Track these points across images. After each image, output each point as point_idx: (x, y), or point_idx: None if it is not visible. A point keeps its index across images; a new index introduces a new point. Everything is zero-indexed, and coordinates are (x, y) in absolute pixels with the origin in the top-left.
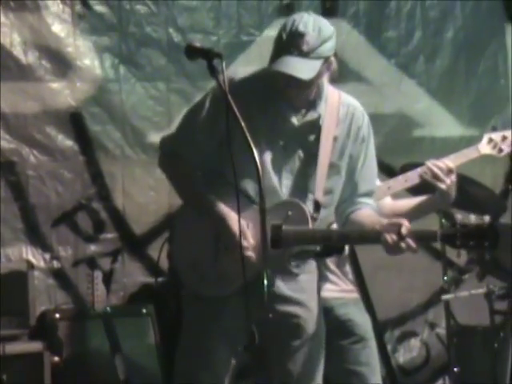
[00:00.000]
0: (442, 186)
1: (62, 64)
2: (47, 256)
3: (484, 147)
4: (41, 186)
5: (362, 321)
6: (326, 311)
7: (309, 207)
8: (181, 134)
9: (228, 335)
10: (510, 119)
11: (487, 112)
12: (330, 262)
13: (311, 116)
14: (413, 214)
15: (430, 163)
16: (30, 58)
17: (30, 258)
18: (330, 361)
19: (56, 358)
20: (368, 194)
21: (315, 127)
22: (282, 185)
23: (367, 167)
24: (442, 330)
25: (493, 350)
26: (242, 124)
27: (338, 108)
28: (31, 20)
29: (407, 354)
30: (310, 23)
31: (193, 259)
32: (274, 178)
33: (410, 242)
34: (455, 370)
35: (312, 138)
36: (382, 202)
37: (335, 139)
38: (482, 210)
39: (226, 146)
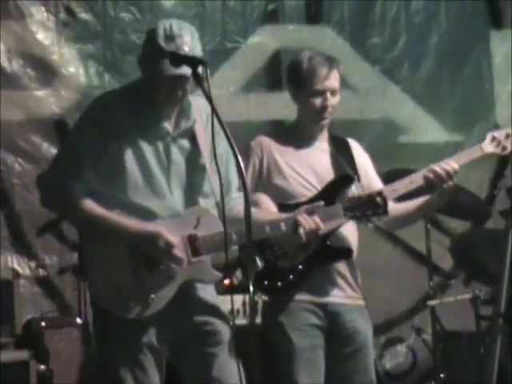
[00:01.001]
0: (445, 187)
1: (46, 72)
2: (33, 264)
3: (487, 146)
4: (26, 194)
5: (364, 329)
6: (333, 316)
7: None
8: (65, 166)
9: (155, 352)
10: (495, 125)
11: (472, 118)
12: (341, 267)
13: (186, 124)
14: (412, 216)
15: (436, 165)
16: (14, 66)
17: (16, 266)
18: (330, 366)
19: (42, 367)
20: (238, 189)
21: (191, 133)
22: (173, 193)
23: (232, 162)
24: (428, 336)
25: (479, 355)
26: (228, 133)
27: (200, 110)
28: (16, 28)
29: (394, 359)
30: (182, 26)
31: (113, 285)
32: (165, 188)
33: (318, 220)
34: (441, 375)
35: (189, 144)
36: None
37: (206, 141)
38: (468, 216)
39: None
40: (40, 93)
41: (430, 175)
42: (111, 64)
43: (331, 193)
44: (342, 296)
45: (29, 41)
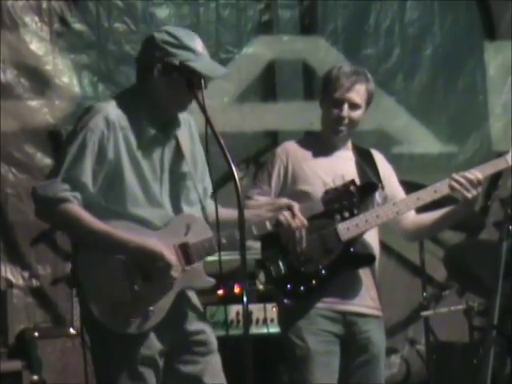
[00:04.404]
0: (470, 197)
1: (40, 82)
2: (26, 274)
3: None
4: (19, 204)
5: (378, 341)
6: (350, 325)
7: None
8: (65, 177)
9: (155, 364)
10: (489, 136)
11: (466, 129)
12: (364, 276)
13: (173, 130)
14: (436, 226)
15: (460, 174)
16: (8, 76)
17: (9, 276)
18: (341, 374)
19: (35, 377)
20: (210, 197)
21: (175, 140)
22: (165, 202)
23: (207, 168)
24: (422, 347)
25: (472, 366)
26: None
27: (183, 116)
28: (9, 38)
29: (387, 370)
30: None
31: (111, 299)
32: (159, 197)
33: (301, 216)
34: None
35: (173, 151)
36: (406, 216)
37: (187, 148)
38: (461, 227)
39: (112, 178)
40: (34, 103)
41: (455, 184)
42: (105, 74)
43: None
44: (362, 305)
45: (22, 51)
